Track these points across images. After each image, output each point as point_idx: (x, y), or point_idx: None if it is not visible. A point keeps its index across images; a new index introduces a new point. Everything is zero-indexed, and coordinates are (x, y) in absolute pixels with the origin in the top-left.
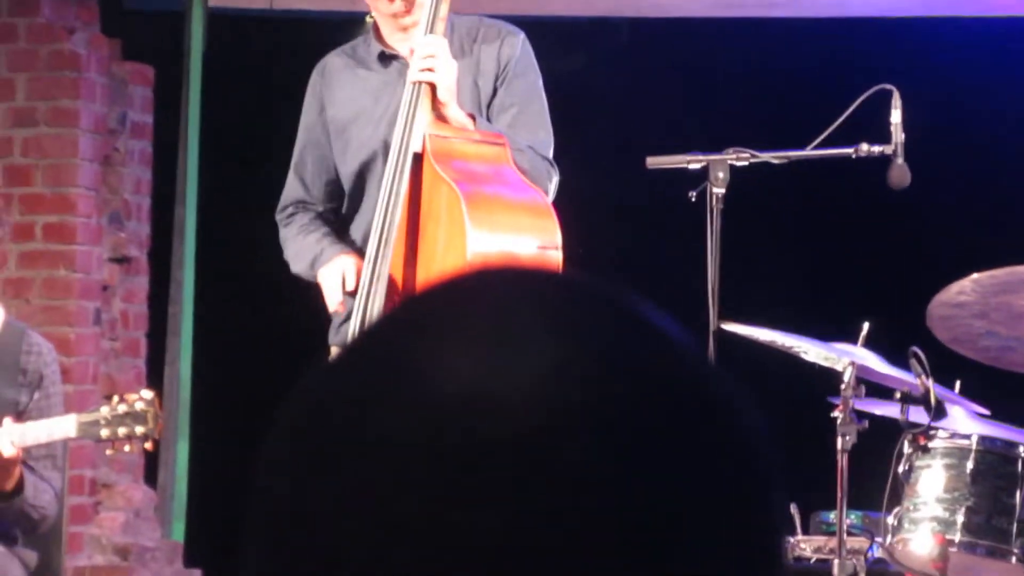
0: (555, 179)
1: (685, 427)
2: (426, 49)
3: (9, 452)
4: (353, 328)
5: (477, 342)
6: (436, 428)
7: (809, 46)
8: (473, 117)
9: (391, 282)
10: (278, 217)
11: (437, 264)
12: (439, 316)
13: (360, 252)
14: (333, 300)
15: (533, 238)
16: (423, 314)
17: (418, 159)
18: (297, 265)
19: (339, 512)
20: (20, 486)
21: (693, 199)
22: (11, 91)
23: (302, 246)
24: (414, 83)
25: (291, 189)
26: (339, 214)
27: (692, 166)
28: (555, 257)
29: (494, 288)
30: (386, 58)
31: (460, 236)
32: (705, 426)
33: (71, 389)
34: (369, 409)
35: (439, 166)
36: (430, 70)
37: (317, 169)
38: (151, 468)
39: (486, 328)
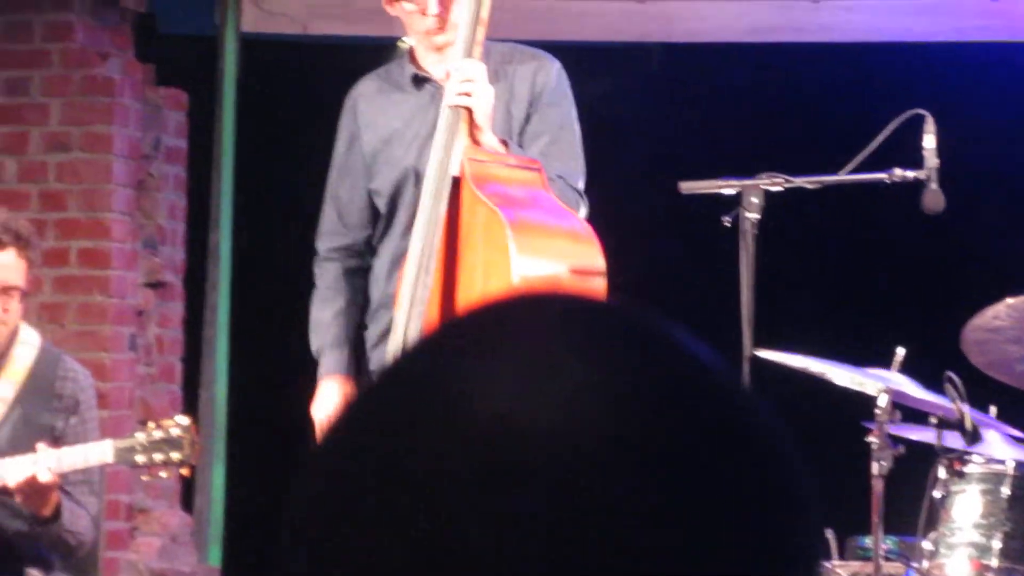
0: (583, 210)
1: (720, 453)
2: (463, 73)
3: (46, 478)
4: (390, 353)
5: (513, 368)
6: (470, 452)
7: (842, 71)
8: (505, 143)
9: (431, 306)
10: (316, 245)
11: (479, 290)
12: (475, 341)
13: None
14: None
15: (576, 263)
16: (460, 339)
17: (455, 183)
18: (310, 337)
19: (373, 531)
20: (57, 512)
21: (727, 224)
22: (45, 116)
23: (318, 321)
24: (451, 107)
25: (327, 219)
26: (371, 244)
27: (725, 191)
28: (598, 282)
29: (530, 314)
30: (419, 80)
31: (504, 261)
32: (740, 453)
33: (106, 414)
34: (405, 431)
35: (479, 190)
36: (467, 95)
37: (351, 196)
38: (187, 493)
39: (522, 354)
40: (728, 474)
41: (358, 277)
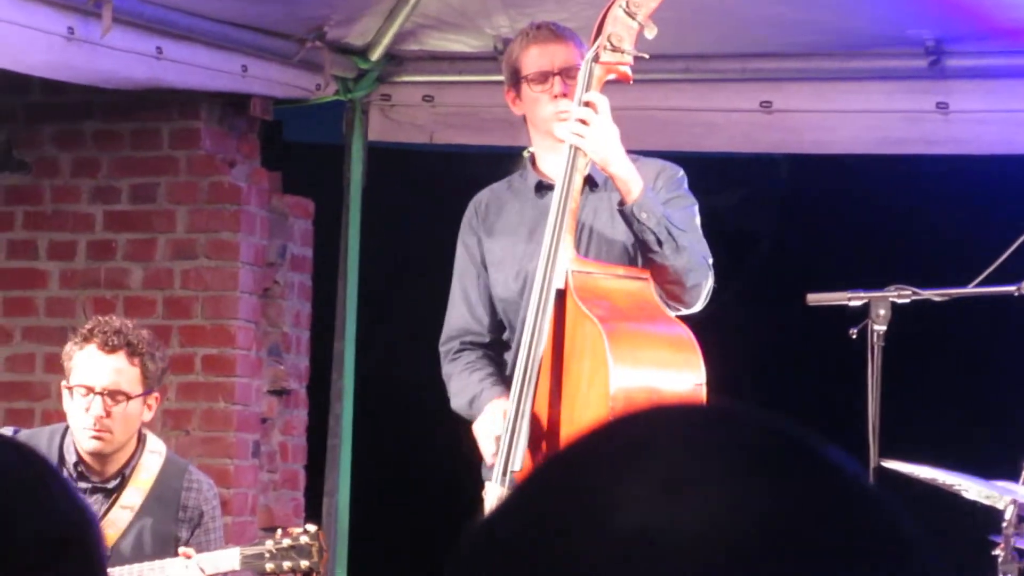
0: (711, 281)
1: (867, 566)
2: (579, 111)
3: None
4: (499, 466)
5: (654, 479)
6: (612, 563)
7: (971, 183)
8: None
9: (535, 419)
10: (442, 349)
11: (581, 400)
12: (617, 452)
13: None
14: (488, 451)
15: (677, 373)
16: (602, 450)
17: (561, 295)
18: (456, 402)
19: None
20: None
21: (854, 336)
22: (172, 223)
23: (466, 384)
24: (570, 146)
25: (457, 320)
26: (502, 344)
27: (853, 303)
28: (699, 392)
29: (670, 425)
30: (542, 188)
31: (603, 372)
32: (887, 565)
33: (229, 520)
34: (548, 540)
35: (582, 302)
36: (579, 135)
37: (481, 299)
38: None
39: (662, 466)
40: None
41: (498, 363)
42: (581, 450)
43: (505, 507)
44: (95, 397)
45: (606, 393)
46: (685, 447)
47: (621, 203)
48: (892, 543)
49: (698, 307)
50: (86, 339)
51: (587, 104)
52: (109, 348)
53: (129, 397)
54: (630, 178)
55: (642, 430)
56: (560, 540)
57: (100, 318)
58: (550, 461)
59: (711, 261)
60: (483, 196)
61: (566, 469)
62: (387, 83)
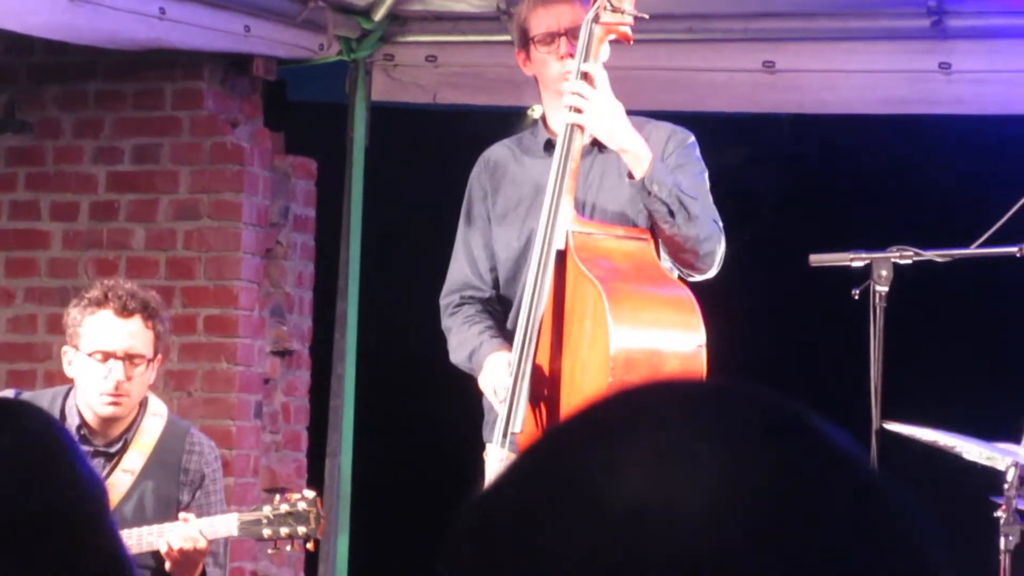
0: (723, 247)
1: (860, 545)
2: (574, 85)
3: (203, 546)
4: (499, 427)
5: (648, 455)
6: (606, 538)
7: (974, 143)
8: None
9: (536, 381)
10: (443, 302)
11: (581, 361)
12: (612, 428)
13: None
14: (495, 402)
15: (677, 334)
16: (597, 425)
17: (562, 256)
18: (456, 356)
19: None
20: None
21: (856, 297)
22: (174, 184)
23: (464, 337)
24: (567, 124)
25: (458, 274)
26: (502, 300)
27: (855, 264)
28: (699, 354)
29: (664, 401)
30: (551, 147)
31: (603, 333)
32: (879, 543)
33: (231, 482)
34: (542, 515)
35: (582, 263)
36: (577, 110)
37: (483, 254)
38: (311, 562)
39: (657, 442)
40: (866, 566)
41: (498, 319)
42: (576, 426)
43: (502, 482)
44: (115, 363)
45: (606, 354)
46: (681, 423)
47: (630, 175)
48: (888, 520)
49: (711, 274)
50: (100, 304)
51: (584, 77)
52: (127, 312)
53: (148, 360)
54: (637, 150)
55: (637, 406)
56: (555, 517)
57: (106, 282)
58: (545, 436)
59: (721, 226)
60: (493, 151)
61: (560, 445)
62: (390, 43)
